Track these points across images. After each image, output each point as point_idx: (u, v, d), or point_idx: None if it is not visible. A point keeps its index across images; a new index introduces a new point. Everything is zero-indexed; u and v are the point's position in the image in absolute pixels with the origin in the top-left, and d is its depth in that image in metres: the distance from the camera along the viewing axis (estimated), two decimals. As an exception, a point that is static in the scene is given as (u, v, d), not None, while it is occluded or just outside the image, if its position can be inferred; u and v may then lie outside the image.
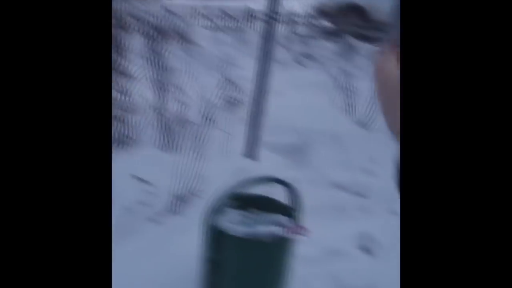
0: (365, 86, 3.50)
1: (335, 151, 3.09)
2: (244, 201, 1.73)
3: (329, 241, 2.32)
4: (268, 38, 2.83)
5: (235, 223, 1.67)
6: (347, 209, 2.65)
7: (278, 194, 1.85)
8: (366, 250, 2.35)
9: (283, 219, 1.68)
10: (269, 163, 2.92)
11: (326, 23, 8.34)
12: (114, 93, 2.87)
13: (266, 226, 1.65)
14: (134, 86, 3.04)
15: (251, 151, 2.96)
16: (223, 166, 2.69)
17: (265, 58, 2.84)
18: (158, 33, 3.08)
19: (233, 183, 1.76)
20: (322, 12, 8.89)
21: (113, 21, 2.71)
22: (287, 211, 1.71)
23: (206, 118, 2.69)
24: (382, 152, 3.23)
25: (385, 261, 2.24)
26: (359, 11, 8.58)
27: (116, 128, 2.91)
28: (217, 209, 1.63)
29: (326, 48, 6.28)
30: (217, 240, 1.65)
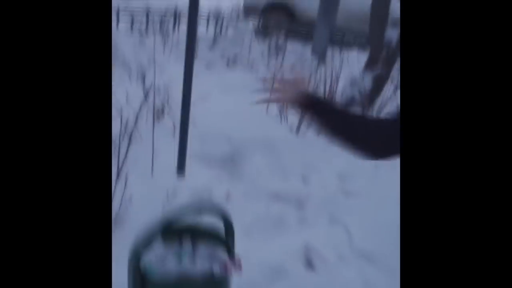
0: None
1: (269, 159, 2.93)
2: (174, 233, 1.51)
3: (270, 260, 2.15)
4: (193, 40, 2.60)
5: (164, 261, 1.45)
6: (286, 222, 2.50)
7: (213, 219, 1.66)
8: (311, 265, 2.21)
9: (218, 252, 1.48)
10: (200, 177, 2.69)
11: (254, 23, 8.24)
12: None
13: (200, 263, 1.44)
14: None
15: (180, 166, 2.72)
16: (149, 187, 2.43)
17: (191, 62, 2.61)
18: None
19: (162, 210, 1.55)
20: (249, 12, 8.79)
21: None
22: (222, 241, 1.51)
23: (127, 132, 2.40)
24: (317, 158, 3.15)
25: (331, 276, 2.11)
26: (285, 10, 8.58)
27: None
28: (143, 244, 1.40)
29: (254, 48, 6.15)
30: (144, 282, 1.41)
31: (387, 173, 2.40)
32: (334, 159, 2.97)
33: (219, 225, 1.55)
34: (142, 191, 2.34)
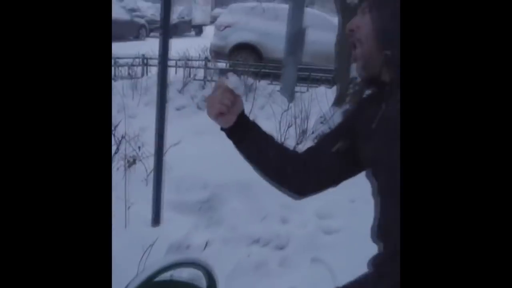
0: (267, 126, 3.42)
1: (247, 202, 2.90)
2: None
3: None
4: (163, 85, 2.60)
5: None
6: (268, 265, 2.45)
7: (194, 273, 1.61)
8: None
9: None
10: (177, 226, 2.63)
11: (222, 64, 8.37)
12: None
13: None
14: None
15: (155, 216, 2.65)
16: (123, 240, 2.35)
17: (163, 106, 2.59)
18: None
19: (138, 265, 1.48)
20: (217, 54, 8.94)
21: None
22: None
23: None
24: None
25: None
26: (252, 51, 8.77)
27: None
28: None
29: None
30: None
31: (364, 207, 2.41)
32: (311, 198, 2.97)
33: (200, 276, 1.50)
34: (116, 244, 2.25)
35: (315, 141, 1.15)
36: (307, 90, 6.73)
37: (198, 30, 20.43)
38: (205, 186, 3.07)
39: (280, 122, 4.17)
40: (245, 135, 1.12)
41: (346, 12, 4.37)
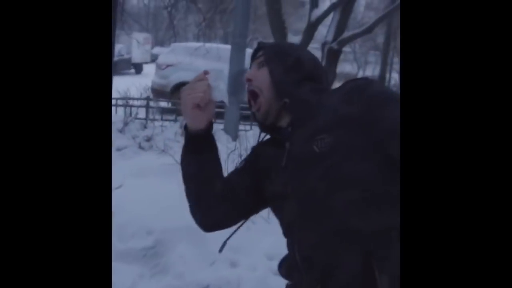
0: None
1: (195, 246, 2.80)
2: None
3: None
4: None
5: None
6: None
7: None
8: None
9: None
10: (120, 277, 2.46)
11: (164, 104, 8.28)
12: None
13: None
14: None
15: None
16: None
17: None
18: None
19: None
20: (158, 93, 8.85)
21: None
22: None
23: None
24: (243, 238, 3.08)
25: None
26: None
27: None
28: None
29: (166, 129, 6.12)
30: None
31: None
32: (260, 239, 2.93)
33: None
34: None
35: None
36: (251, 128, 6.80)
37: (138, 68, 20.24)
38: (149, 232, 2.93)
39: (226, 161, 4.14)
40: (209, 147, 1.11)
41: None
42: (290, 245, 1.05)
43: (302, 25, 4.89)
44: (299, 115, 1.04)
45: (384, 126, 0.94)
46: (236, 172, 1.17)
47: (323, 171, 0.96)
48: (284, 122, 1.08)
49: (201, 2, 8.18)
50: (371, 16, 15.88)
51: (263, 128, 1.14)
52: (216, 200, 1.11)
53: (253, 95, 1.10)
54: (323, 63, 4.59)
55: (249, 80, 1.11)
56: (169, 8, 7.49)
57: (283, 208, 1.06)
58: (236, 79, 6.64)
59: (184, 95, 1.05)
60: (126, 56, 19.15)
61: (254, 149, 1.18)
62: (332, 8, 4.50)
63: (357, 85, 1.02)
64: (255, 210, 1.19)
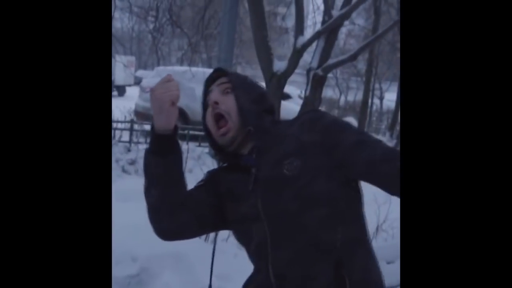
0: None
1: (180, 273, 2.73)
2: None
3: None
4: None
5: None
6: None
7: None
8: None
9: None
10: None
11: (148, 127, 8.20)
12: None
13: None
14: None
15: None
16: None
17: None
18: None
19: None
20: (142, 115, 8.79)
21: None
22: None
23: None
24: (228, 265, 3.03)
25: None
26: (179, 114, 8.74)
27: None
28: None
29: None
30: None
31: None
32: (247, 265, 2.88)
33: None
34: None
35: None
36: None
37: (121, 90, 20.16)
38: (134, 259, 2.85)
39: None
40: (175, 149, 1.12)
41: (273, 80, 4.56)
42: (260, 265, 1.10)
43: (285, 51, 4.96)
44: (263, 142, 1.12)
45: (341, 150, 1.07)
46: (198, 188, 1.19)
47: (295, 191, 1.05)
48: (245, 149, 1.14)
49: (186, 26, 8.26)
50: (352, 43, 16.25)
51: (223, 154, 1.19)
52: (179, 207, 1.12)
53: (221, 118, 1.14)
54: (308, 89, 4.65)
55: (216, 103, 1.15)
56: (154, 33, 7.53)
57: (252, 230, 1.10)
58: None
59: (158, 94, 1.07)
60: (109, 79, 19.13)
61: (211, 174, 1.21)
62: (317, 35, 4.59)
63: (313, 116, 1.14)
64: (214, 227, 1.22)
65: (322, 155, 1.07)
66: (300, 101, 11.16)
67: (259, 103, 1.17)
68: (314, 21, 8.28)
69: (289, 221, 1.06)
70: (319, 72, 4.57)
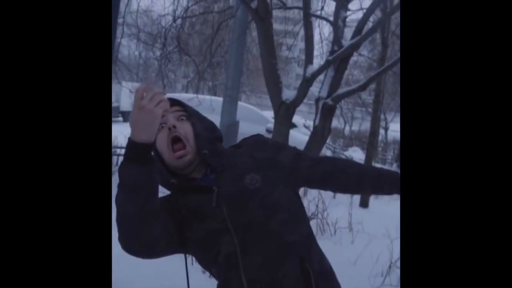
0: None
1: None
2: None
3: None
4: None
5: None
6: None
7: None
8: None
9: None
10: None
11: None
12: None
13: None
14: None
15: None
16: None
17: None
18: None
19: None
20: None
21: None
22: None
23: None
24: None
25: None
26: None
27: None
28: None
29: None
30: None
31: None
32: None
33: None
34: None
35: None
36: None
37: (126, 115, 20.27)
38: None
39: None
40: (152, 158, 1.15)
41: (282, 109, 4.48)
42: (231, 275, 1.19)
43: (289, 80, 4.91)
44: (219, 164, 1.26)
45: (285, 165, 1.28)
46: (161, 204, 1.21)
47: (259, 202, 1.20)
48: (199, 173, 1.27)
49: (193, 54, 8.29)
50: (355, 74, 16.33)
51: (177, 178, 1.26)
52: (155, 216, 1.15)
53: (178, 141, 1.24)
54: (318, 119, 4.56)
55: (174, 126, 1.25)
56: (161, 60, 7.54)
57: (219, 244, 1.19)
58: (228, 131, 6.59)
59: (150, 107, 1.09)
60: (115, 104, 19.36)
61: (166, 200, 1.26)
62: (328, 64, 4.54)
63: (259, 138, 1.36)
64: (173, 249, 1.26)
65: (275, 168, 1.26)
66: (305, 130, 11.13)
67: (212, 131, 1.32)
68: (320, 51, 8.30)
69: (256, 229, 1.18)
70: (329, 101, 4.49)
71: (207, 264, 1.26)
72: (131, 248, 1.17)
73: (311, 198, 5.49)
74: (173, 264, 2.33)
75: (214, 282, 1.28)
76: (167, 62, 7.51)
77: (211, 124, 1.36)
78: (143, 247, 1.18)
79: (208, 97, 9.02)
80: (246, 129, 8.02)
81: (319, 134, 4.45)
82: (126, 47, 11.28)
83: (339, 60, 4.55)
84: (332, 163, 1.32)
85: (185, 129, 1.26)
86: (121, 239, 1.15)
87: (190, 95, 8.49)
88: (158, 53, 7.93)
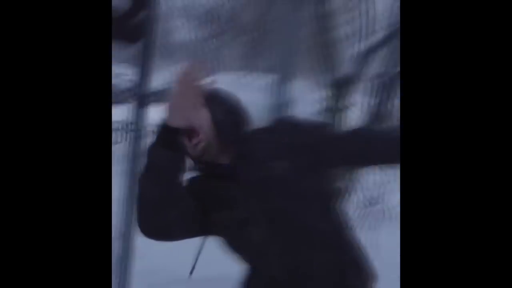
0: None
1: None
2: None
3: None
4: (136, 154, 2.27)
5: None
6: None
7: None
8: None
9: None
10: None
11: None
12: None
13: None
14: None
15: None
16: None
17: (133, 178, 2.24)
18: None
19: None
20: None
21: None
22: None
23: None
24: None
25: None
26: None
27: None
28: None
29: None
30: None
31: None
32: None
33: None
34: None
35: None
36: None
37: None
38: (177, 282, 2.65)
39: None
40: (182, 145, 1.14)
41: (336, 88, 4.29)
42: (260, 265, 1.20)
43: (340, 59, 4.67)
44: (243, 151, 1.19)
45: (314, 149, 1.19)
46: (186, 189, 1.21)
47: (287, 190, 1.16)
48: (225, 159, 1.20)
49: (248, 29, 8.17)
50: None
51: (200, 164, 1.22)
52: (172, 203, 1.12)
53: (192, 132, 1.16)
54: (374, 97, 4.32)
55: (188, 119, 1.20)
56: (213, 39, 7.50)
57: (248, 233, 1.16)
58: (280, 110, 6.44)
59: (188, 90, 1.08)
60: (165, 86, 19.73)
61: (195, 181, 1.24)
62: (384, 41, 4.25)
63: (288, 120, 1.31)
64: (200, 231, 1.22)
65: (304, 153, 1.17)
66: (358, 109, 10.74)
67: (235, 114, 1.24)
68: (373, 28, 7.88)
69: (284, 218, 1.16)
70: (387, 79, 4.23)
71: (234, 250, 1.24)
72: (146, 231, 1.17)
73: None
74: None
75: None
76: (219, 41, 7.45)
77: (235, 105, 1.26)
78: (158, 231, 1.17)
79: (261, 75, 8.90)
80: (298, 109, 7.84)
81: (375, 112, 4.22)
82: (178, 28, 11.33)
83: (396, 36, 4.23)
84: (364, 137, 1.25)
85: (201, 117, 1.18)
86: (138, 222, 1.16)
87: (242, 73, 8.41)
88: (209, 32, 7.88)
